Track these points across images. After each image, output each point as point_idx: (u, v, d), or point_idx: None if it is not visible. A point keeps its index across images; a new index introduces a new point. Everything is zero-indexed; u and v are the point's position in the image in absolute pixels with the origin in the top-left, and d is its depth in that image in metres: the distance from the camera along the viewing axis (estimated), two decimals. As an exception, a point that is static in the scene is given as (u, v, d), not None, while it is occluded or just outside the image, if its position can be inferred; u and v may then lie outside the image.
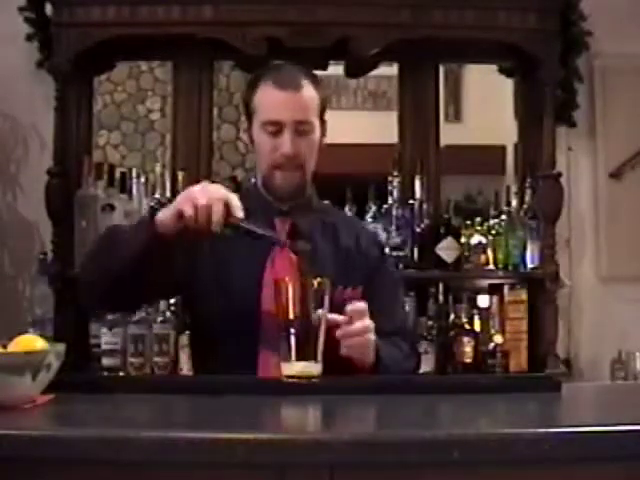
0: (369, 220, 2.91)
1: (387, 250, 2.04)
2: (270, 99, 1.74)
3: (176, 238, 1.56)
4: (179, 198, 1.55)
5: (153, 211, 1.62)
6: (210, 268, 1.73)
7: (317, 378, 1.45)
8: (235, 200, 1.52)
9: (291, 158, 1.73)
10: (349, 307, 1.57)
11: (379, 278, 1.82)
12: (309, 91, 1.76)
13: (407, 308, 2.08)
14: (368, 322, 1.59)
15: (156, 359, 2.68)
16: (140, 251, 1.55)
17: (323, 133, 1.82)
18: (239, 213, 1.51)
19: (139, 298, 1.76)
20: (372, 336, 1.60)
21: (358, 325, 1.57)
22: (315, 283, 1.48)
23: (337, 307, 1.60)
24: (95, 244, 1.78)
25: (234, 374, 1.61)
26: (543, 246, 2.87)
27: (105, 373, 2.64)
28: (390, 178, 2.98)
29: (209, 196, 1.51)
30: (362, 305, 1.60)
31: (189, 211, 1.50)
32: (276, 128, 1.72)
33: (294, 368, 1.45)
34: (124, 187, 2.85)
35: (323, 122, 1.81)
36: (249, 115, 1.80)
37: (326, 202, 2.00)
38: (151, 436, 1.05)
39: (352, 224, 2.01)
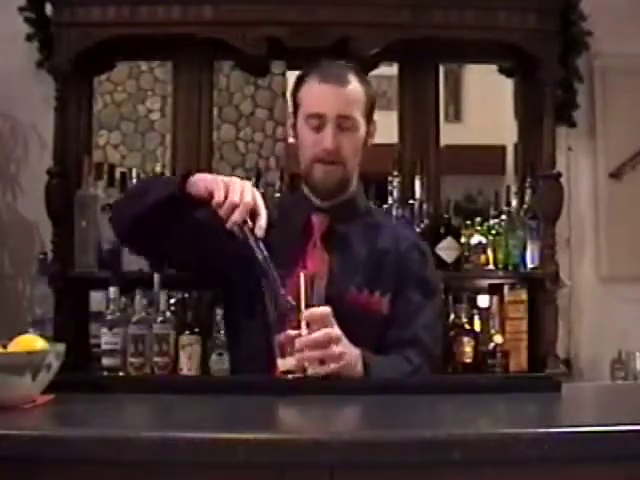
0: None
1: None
2: (314, 92, 1.73)
3: (198, 208, 1.58)
4: (218, 178, 1.55)
5: (189, 174, 1.61)
6: (244, 264, 1.68)
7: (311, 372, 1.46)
8: (263, 218, 1.50)
9: (332, 153, 1.70)
10: (305, 313, 1.45)
11: (411, 283, 1.75)
12: (355, 87, 1.73)
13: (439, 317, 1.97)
14: (332, 331, 1.48)
15: (156, 359, 2.68)
16: (162, 198, 1.58)
17: (370, 133, 1.78)
18: (260, 231, 1.49)
19: (163, 248, 1.75)
20: (342, 348, 1.48)
21: (316, 335, 1.45)
22: (303, 278, 1.48)
23: (352, 310, 1.60)
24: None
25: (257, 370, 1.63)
26: (543, 246, 2.87)
27: (105, 373, 2.63)
28: (390, 178, 2.97)
29: (243, 194, 1.50)
30: (321, 310, 1.48)
31: (218, 194, 1.50)
32: (318, 122, 1.71)
33: (288, 363, 1.46)
34: (124, 187, 2.85)
35: (370, 121, 1.78)
36: (295, 111, 1.79)
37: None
38: (151, 436, 1.05)
39: (395, 227, 1.96)
